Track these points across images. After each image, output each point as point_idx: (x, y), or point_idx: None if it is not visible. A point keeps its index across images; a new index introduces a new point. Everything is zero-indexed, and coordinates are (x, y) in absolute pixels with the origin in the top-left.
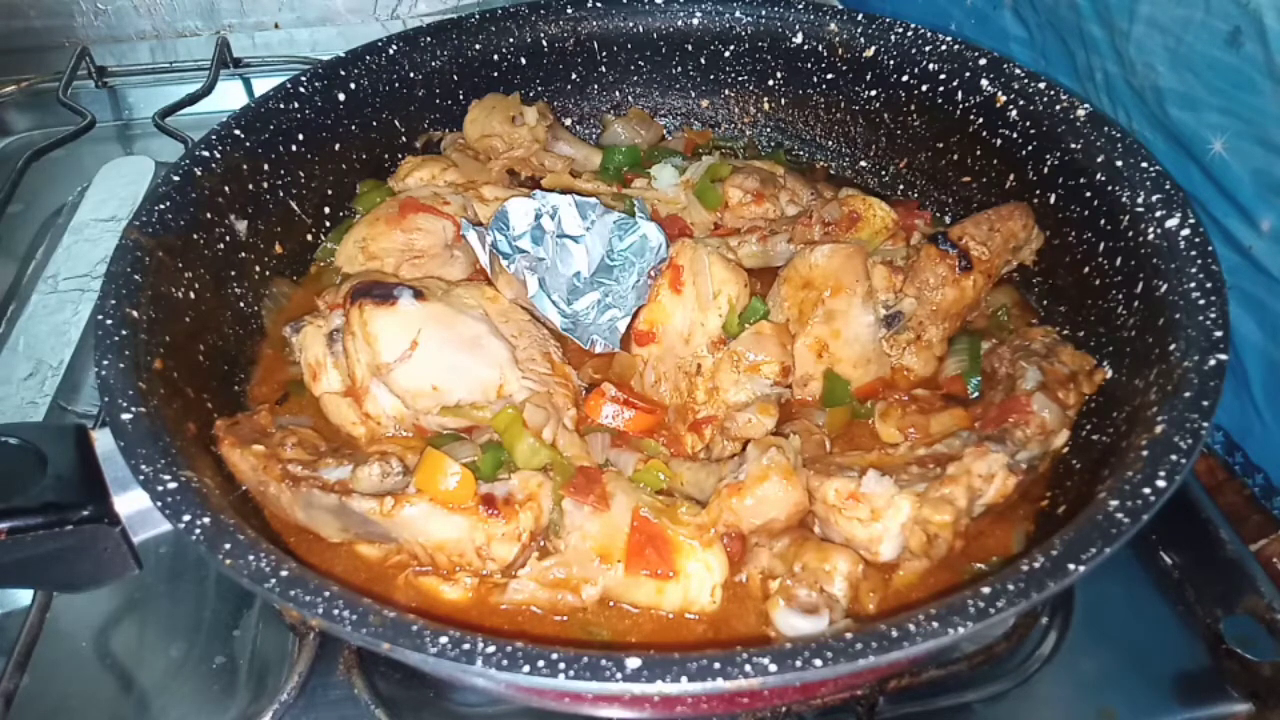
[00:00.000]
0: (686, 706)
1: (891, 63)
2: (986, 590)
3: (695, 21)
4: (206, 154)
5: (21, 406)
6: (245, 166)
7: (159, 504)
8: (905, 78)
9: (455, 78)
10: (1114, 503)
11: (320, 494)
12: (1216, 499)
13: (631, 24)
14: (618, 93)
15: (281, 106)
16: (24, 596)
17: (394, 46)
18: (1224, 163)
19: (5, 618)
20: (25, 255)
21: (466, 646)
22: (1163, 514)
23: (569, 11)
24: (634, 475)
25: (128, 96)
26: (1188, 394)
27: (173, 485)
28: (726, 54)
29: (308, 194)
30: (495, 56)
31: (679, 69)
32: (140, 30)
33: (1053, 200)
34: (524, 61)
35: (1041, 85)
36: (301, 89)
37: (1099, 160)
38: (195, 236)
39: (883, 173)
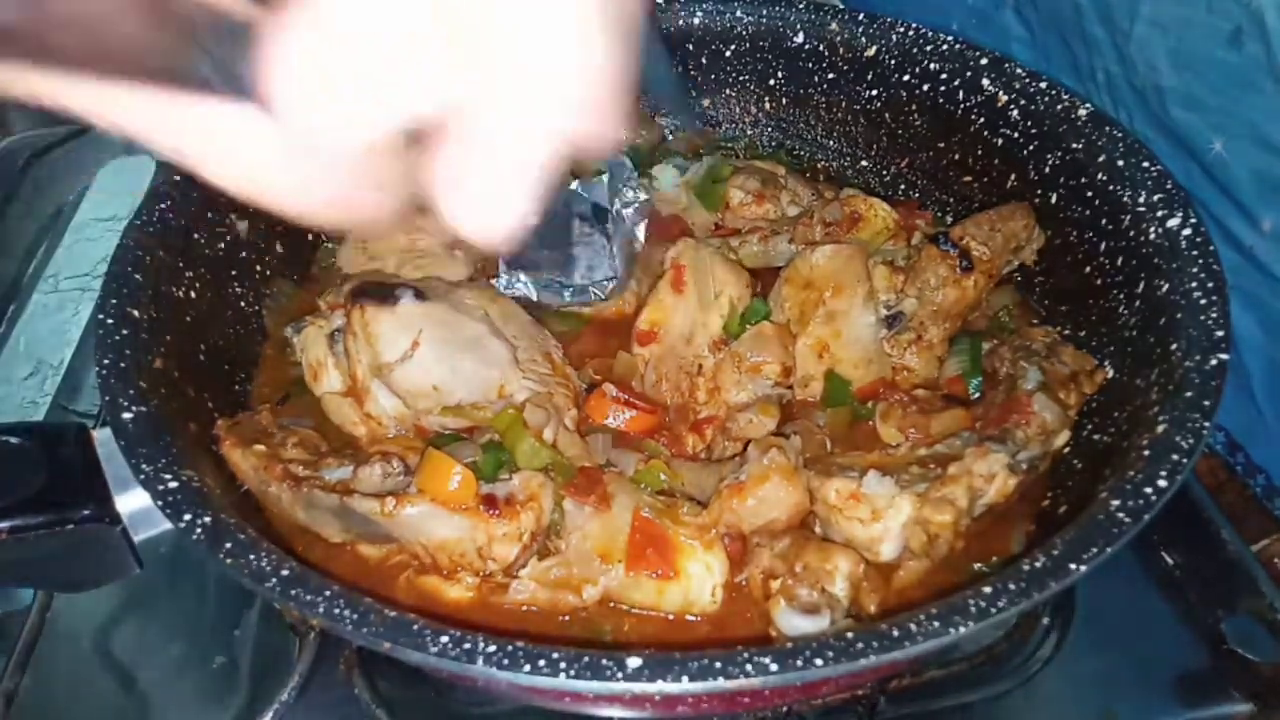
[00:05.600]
0: (688, 706)
1: (893, 62)
2: (987, 590)
3: (696, 21)
4: None
5: (22, 406)
6: None
7: (160, 503)
8: (906, 77)
9: None
10: (1115, 502)
11: (321, 494)
12: (1218, 499)
13: None
14: None
15: None
16: (24, 596)
17: None
18: (1225, 162)
19: (5, 618)
20: (25, 255)
21: (467, 646)
22: (1164, 514)
23: None
24: (635, 475)
25: None
26: (1189, 394)
27: (174, 485)
28: (727, 54)
29: None
30: None
31: (680, 68)
32: None
33: (1054, 200)
34: None
35: (1043, 85)
36: None
37: (1100, 160)
38: (196, 236)
39: (884, 172)
